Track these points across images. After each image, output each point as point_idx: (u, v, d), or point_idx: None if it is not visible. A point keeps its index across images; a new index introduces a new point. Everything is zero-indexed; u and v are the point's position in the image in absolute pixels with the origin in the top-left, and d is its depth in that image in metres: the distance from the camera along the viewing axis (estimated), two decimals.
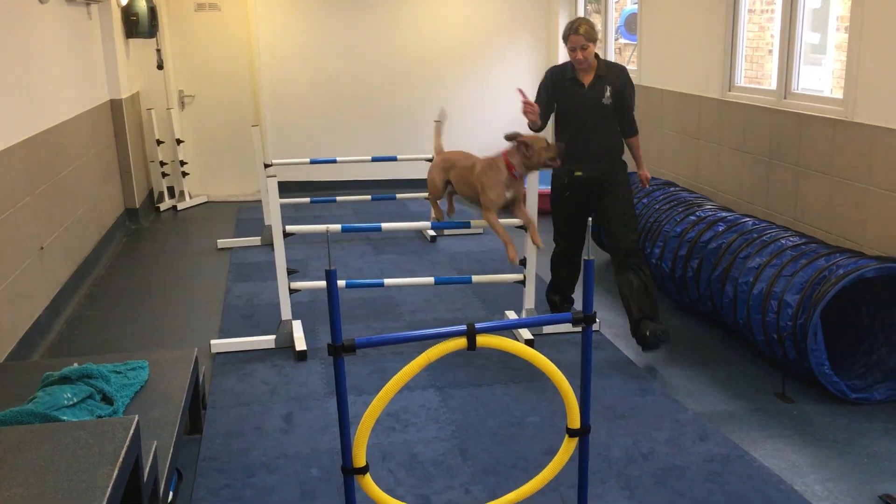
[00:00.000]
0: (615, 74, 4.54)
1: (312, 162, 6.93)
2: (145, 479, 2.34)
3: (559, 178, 4.72)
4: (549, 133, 5.22)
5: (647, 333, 4.37)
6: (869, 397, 3.93)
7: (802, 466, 3.38)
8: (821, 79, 7.24)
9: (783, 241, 4.42)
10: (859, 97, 4.50)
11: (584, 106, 4.54)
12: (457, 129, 8.82)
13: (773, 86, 5.35)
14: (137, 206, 7.63)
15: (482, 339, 2.48)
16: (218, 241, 6.99)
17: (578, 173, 4.57)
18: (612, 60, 4.59)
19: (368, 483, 2.58)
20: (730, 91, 5.82)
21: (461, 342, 2.47)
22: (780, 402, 3.98)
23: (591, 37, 4.43)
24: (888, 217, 4.33)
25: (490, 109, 9.16)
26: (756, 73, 7.02)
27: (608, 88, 4.49)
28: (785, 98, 5.22)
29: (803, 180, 5.01)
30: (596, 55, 4.53)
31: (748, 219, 4.98)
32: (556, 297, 5.02)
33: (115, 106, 7.28)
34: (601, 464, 3.39)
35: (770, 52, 6.74)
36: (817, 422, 3.77)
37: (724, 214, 5.06)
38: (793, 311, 3.95)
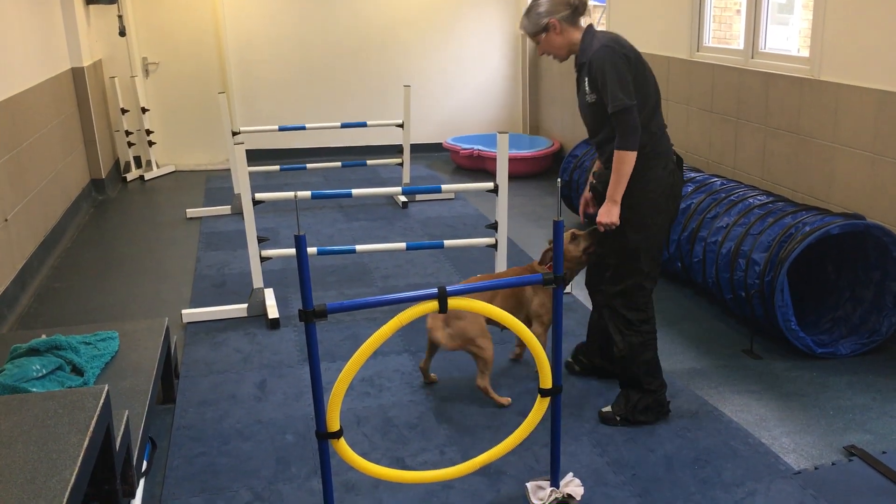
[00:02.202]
0: (588, 56, 3.23)
1: (281, 129, 6.87)
2: (118, 448, 2.33)
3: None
4: None
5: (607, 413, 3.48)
6: (834, 352, 4.01)
7: (770, 420, 3.45)
8: (788, 38, 7.27)
9: (751, 201, 4.47)
10: (825, 55, 4.53)
11: (581, 109, 3.42)
12: (425, 96, 8.80)
13: (741, 46, 5.37)
14: (104, 177, 7.51)
15: (453, 302, 2.49)
16: (187, 210, 6.91)
17: (593, 181, 3.55)
18: (603, 31, 3.28)
19: (343, 447, 2.59)
20: (698, 51, 5.83)
21: (433, 305, 2.48)
22: (748, 358, 4.04)
23: (529, 29, 3.35)
24: (853, 174, 4.39)
25: (460, 76, 9.11)
26: (725, 34, 7.02)
27: (585, 80, 3.27)
28: (752, 58, 5.23)
29: (770, 139, 5.05)
30: (587, 30, 3.30)
31: (717, 179, 5.03)
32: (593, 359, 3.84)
33: (76, 74, 7.13)
34: (574, 422, 3.43)
35: (738, 11, 6.75)
36: (784, 376, 3.84)
37: (692, 175, 5.09)
38: (760, 269, 4.00)
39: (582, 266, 3.67)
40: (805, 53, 4.79)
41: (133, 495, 2.50)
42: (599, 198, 3.38)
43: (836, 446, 3.21)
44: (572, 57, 3.39)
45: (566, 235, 3.59)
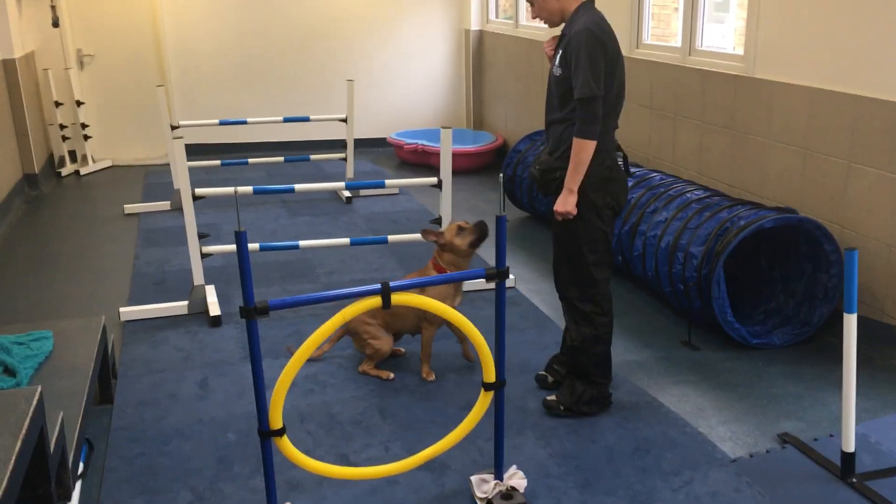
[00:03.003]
0: (570, 31, 3.18)
1: (222, 123, 6.76)
2: (52, 450, 2.27)
3: None
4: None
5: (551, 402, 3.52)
6: (768, 342, 4.12)
7: (707, 410, 3.53)
8: (724, 36, 7.42)
9: (689, 195, 4.56)
10: (759, 53, 4.65)
11: (549, 78, 3.36)
12: (368, 90, 8.75)
13: (679, 43, 5.47)
14: (37, 172, 7.30)
15: (397, 297, 2.49)
16: (125, 206, 6.76)
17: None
18: (596, 11, 3.22)
19: (286, 445, 2.58)
20: (637, 48, 5.92)
21: (376, 301, 2.48)
22: (687, 349, 4.13)
23: None
24: (785, 169, 4.51)
25: (403, 70, 9.09)
26: (663, 31, 7.14)
27: (559, 53, 3.22)
28: (690, 55, 5.34)
29: (707, 135, 5.16)
30: (584, 4, 3.23)
31: (656, 174, 5.12)
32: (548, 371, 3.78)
33: (7, 66, 6.90)
34: (518, 416, 3.46)
35: (676, 9, 6.87)
36: (720, 367, 3.93)
37: (633, 170, 5.17)
38: (698, 262, 4.09)
39: (468, 258, 3.74)
40: (740, 51, 4.91)
41: (69, 498, 2.44)
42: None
43: (770, 434, 3.30)
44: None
45: (452, 228, 3.72)
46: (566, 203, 3.21)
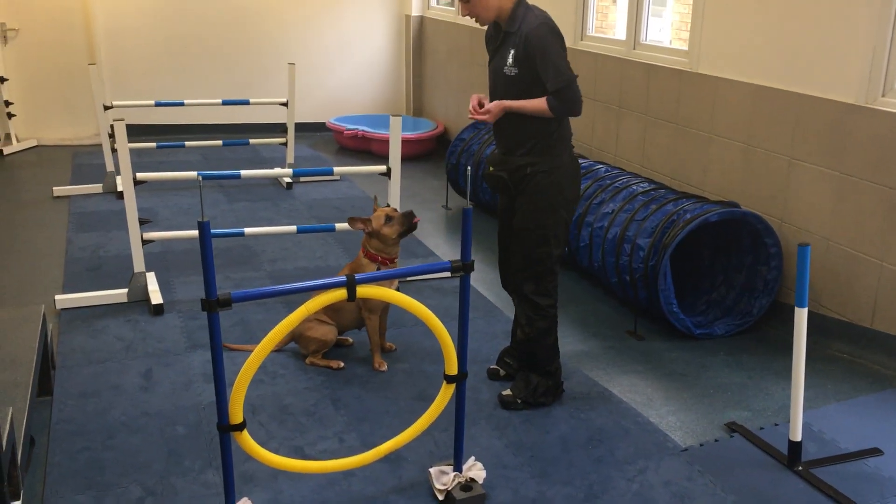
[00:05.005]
0: (522, 30, 3.14)
1: (158, 104, 6.55)
2: (4, 447, 2.17)
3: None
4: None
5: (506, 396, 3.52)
6: (710, 332, 4.23)
7: (656, 399, 3.60)
8: (661, 30, 7.55)
9: (635, 188, 4.63)
10: (703, 49, 4.74)
11: (494, 77, 3.33)
12: (307, 74, 8.60)
13: (623, 36, 5.53)
14: None
15: (362, 290, 2.46)
16: (53, 188, 6.50)
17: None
18: (535, 6, 3.23)
19: (246, 439, 2.53)
20: (582, 40, 5.97)
21: (341, 293, 2.44)
22: (632, 339, 4.21)
23: None
24: (727, 163, 4.63)
25: (343, 55, 8.97)
26: (601, 23, 7.22)
27: (511, 52, 3.19)
28: (634, 49, 5.41)
29: (651, 128, 5.25)
30: (520, 1, 3.21)
31: (601, 165, 5.18)
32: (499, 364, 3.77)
33: None
34: (472, 406, 3.46)
35: (614, 1, 6.95)
36: (666, 357, 4.02)
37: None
38: (644, 254, 4.16)
39: (396, 245, 3.73)
40: (679, 45, 5.00)
41: (18, 497, 2.34)
42: (506, 188, 3.35)
43: (717, 423, 3.39)
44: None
45: (380, 216, 3.67)
46: (492, 108, 3.21)
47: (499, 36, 3.26)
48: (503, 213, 3.47)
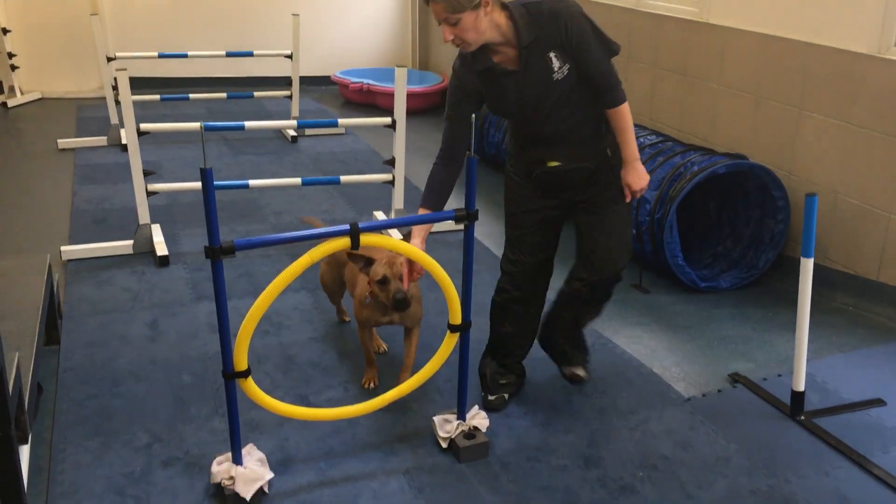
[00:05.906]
0: (549, 29, 2.61)
1: (161, 56, 6.49)
2: (10, 391, 2.19)
3: (522, 163, 2.95)
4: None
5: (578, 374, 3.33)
6: (716, 285, 4.23)
7: (660, 351, 3.61)
8: None
9: (641, 140, 4.58)
10: None
11: (526, 101, 2.73)
12: (312, 26, 8.50)
13: None
14: None
15: (366, 239, 2.45)
16: (58, 141, 6.48)
17: (553, 163, 2.85)
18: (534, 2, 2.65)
19: (250, 386, 2.54)
20: None
21: (344, 242, 2.43)
22: (638, 292, 4.21)
23: (454, 4, 2.51)
24: (736, 115, 4.57)
25: (348, 7, 8.86)
26: None
27: (553, 56, 2.64)
28: None
29: (659, 81, 5.18)
30: (515, 7, 2.64)
31: None
32: (487, 367, 3.28)
33: None
34: (474, 356, 3.47)
35: None
36: (671, 310, 4.02)
37: None
38: (651, 207, 4.14)
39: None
40: None
41: (26, 441, 2.37)
42: (548, 189, 2.93)
43: (721, 374, 3.40)
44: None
45: (379, 272, 2.92)
46: (642, 176, 2.86)
47: (500, 68, 2.70)
48: (552, 222, 3.02)
